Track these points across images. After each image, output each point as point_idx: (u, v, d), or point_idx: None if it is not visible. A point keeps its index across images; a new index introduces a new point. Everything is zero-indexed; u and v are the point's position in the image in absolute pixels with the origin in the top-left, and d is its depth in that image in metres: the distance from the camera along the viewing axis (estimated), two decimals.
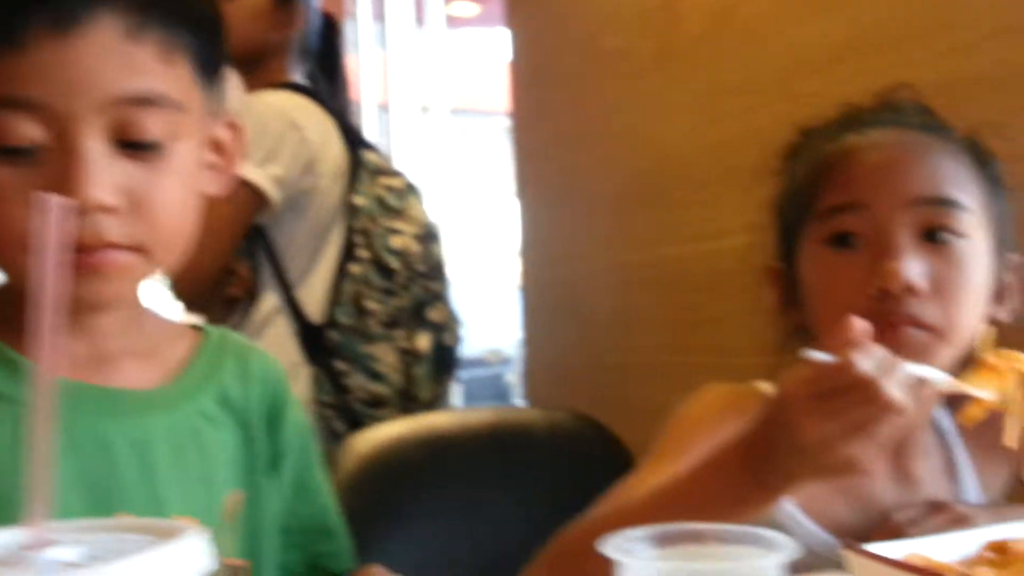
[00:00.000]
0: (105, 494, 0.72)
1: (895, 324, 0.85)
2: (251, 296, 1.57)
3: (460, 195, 5.42)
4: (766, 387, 0.99)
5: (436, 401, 1.66)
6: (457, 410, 1.57)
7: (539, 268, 2.26)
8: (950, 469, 1.00)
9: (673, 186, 1.81)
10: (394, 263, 1.61)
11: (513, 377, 7.35)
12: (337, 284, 1.56)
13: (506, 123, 2.43)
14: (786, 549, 0.53)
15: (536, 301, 2.29)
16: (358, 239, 1.59)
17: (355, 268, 1.58)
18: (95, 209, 0.67)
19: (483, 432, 1.40)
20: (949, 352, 0.87)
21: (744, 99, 1.62)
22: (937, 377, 0.74)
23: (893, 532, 0.88)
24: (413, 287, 1.62)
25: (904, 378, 0.69)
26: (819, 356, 0.70)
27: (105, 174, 0.67)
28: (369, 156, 1.66)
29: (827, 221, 0.92)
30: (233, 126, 0.82)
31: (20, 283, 0.69)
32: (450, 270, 1.77)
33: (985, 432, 0.94)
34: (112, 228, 0.69)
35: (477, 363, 6.59)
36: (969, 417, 0.81)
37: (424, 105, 4.64)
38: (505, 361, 7.42)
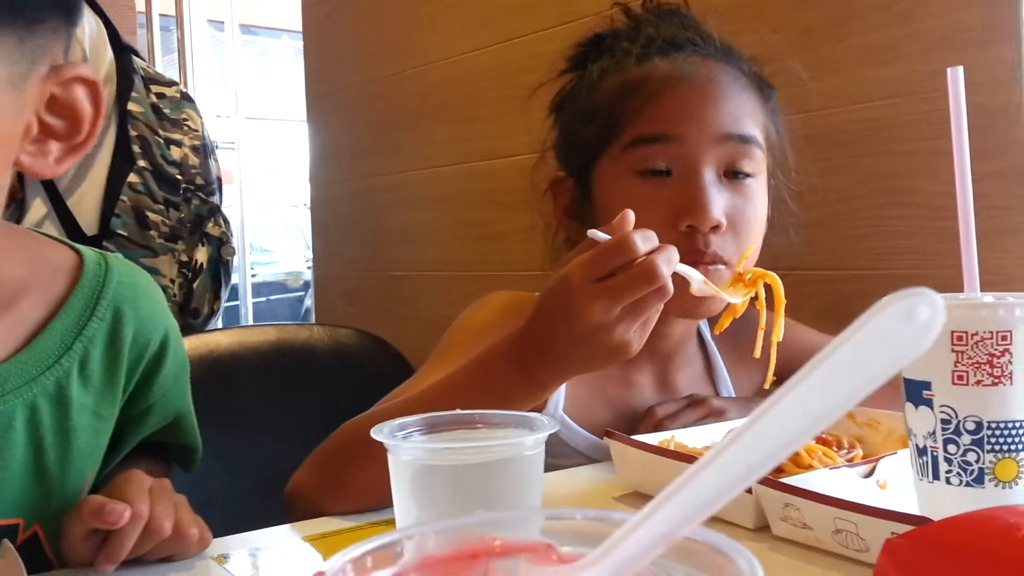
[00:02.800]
0: None
1: (698, 260, 0.88)
2: (19, 205, 1.46)
3: (254, 116, 5.20)
4: None
5: (213, 316, 1.63)
6: (240, 328, 1.54)
7: (327, 186, 2.23)
8: (709, 376, 1.07)
9: (460, 104, 1.82)
10: (175, 173, 1.54)
11: (311, 300, 7.26)
12: (112, 193, 1.47)
13: (291, 42, 2.34)
14: (545, 428, 0.55)
15: (324, 220, 2.26)
16: (135, 148, 1.50)
17: (134, 178, 1.49)
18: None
19: (265, 349, 1.38)
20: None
21: (534, 20, 1.64)
22: (694, 277, 0.78)
23: (654, 425, 0.94)
24: (192, 200, 1.56)
25: (672, 259, 0.71)
26: (600, 235, 0.71)
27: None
28: (139, 63, 1.57)
29: (637, 150, 0.92)
30: (85, 81, 0.65)
31: None
32: (241, 184, 1.72)
33: (740, 343, 1.02)
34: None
35: (276, 287, 6.46)
36: (721, 324, 0.87)
37: (212, 18, 4.37)
38: (305, 285, 7.32)
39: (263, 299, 5.96)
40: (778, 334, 0.83)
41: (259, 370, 1.36)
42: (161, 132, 1.53)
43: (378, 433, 0.54)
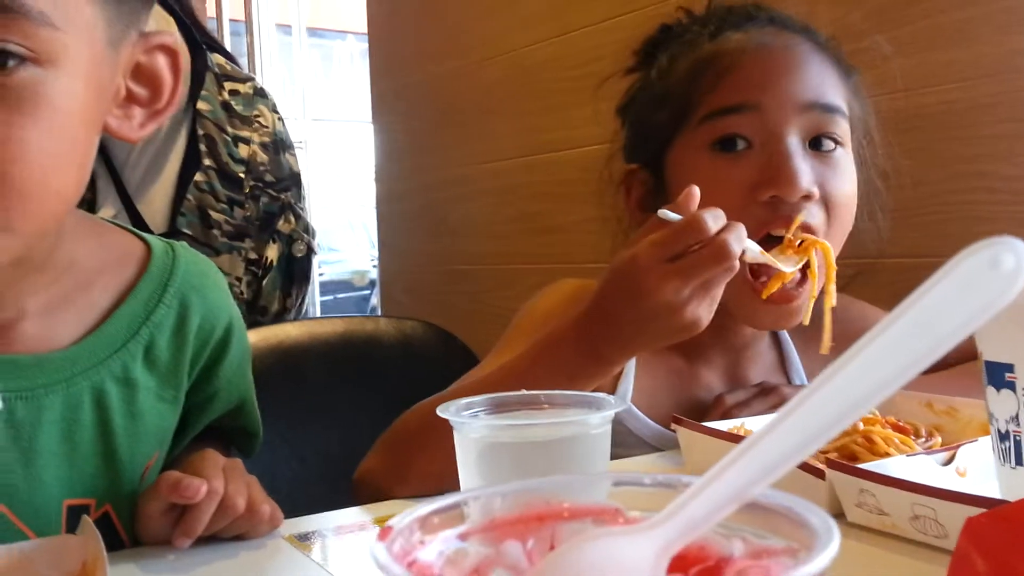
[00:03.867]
0: None
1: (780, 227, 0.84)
2: (89, 206, 1.50)
3: (323, 117, 5.28)
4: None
5: (287, 313, 1.63)
6: (309, 320, 1.56)
7: (392, 183, 2.25)
8: (783, 368, 1.04)
9: (522, 97, 1.82)
10: (239, 172, 1.55)
11: (378, 299, 7.33)
12: (180, 193, 1.49)
13: (356, 44, 2.36)
14: (611, 407, 0.54)
15: (389, 215, 2.28)
16: (203, 147, 1.52)
17: (199, 177, 1.51)
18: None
19: (333, 341, 1.40)
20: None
21: (595, 12, 1.63)
22: (750, 248, 0.76)
23: (723, 413, 0.92)
24: (261, 197, 1.57)
25: (741, 236, 0.70)
26: (671, 215, 0.70)
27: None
28: (216, 59, 1.59)
29: (712, 123, 0.89)
30: (167, 49, 0.66)
31: None
32: (308, 185, 1.73)
33: (816, 335, 1.00)
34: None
35: (343, 286, 6.54)
36: (769, 288, 0.85)
37: (281, 22, 4.45)
38: (371, 284, 7.39)
39: (330, 297, 6.04)
40: (831, 300, 0.81)
41: (327, 361, 1.38)
42: (230, 129, 1.55)
43: (444, 411, 0.54)
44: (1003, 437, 0.61)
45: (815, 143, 0.89)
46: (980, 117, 1.13)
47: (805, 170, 0.85)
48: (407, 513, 0.27)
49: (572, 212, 1.67)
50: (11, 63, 0.55)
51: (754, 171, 0.86)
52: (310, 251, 1.71)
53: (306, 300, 1.72)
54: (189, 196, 1.49)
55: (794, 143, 0.86)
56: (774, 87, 0.88)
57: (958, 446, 0.71)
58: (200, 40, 1.57)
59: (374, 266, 7.56)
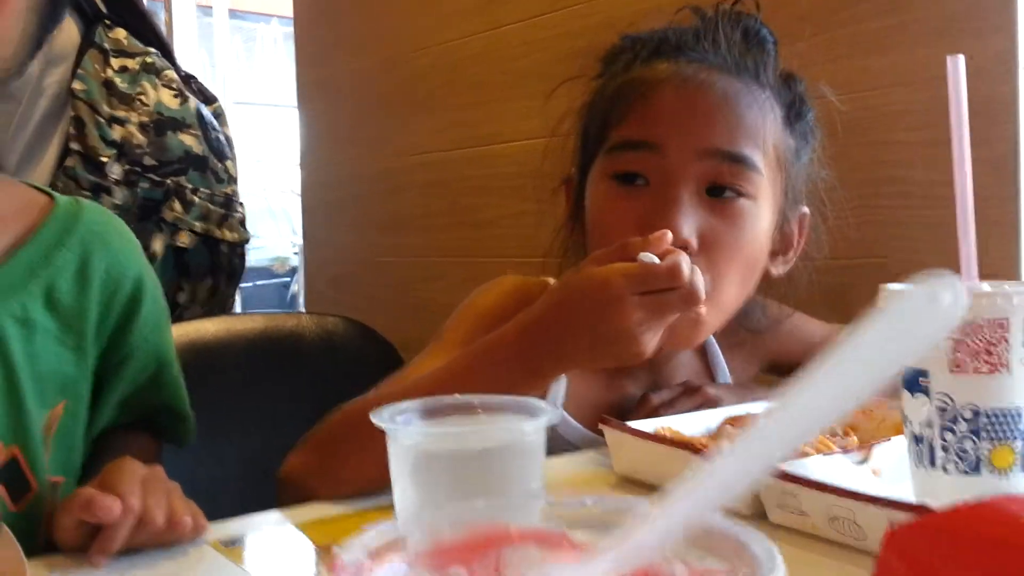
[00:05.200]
0: None
1: None
2: None
3: (243, 101, 5.16)
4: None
5: (186, 309, 1.54)
6: (227, 316, 1.52)
7: (317, 173, 2.22)
8: (705, 364, 1.06)
9: (450, 91, 1.81)
10: (106, 155, 1.39)
11: (298, 286, 7.25)
12: (53, 182, 1.36)
13: (280, 28, 2.31)
14: (546, 414, 0.55)
15: (314, 206, 2.24)
16: (71, 130, 1.40)
17: (69, 162, 1.40)
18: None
19: (253, 338, 1.37)
20: (712, 312, 0.86)
21: (525, 8, 1.63)
22: None
23: (648, 412, 0.93)
24: (140, 182, 1.42)
25: (701, 280, 0.73)
26: (651, 258, 0.73)
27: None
28: (114, 34, 1.47)
29: (615, 156, 0.89)
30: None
31: None
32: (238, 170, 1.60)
33: (736, 329, 1.02)
34: None
35: (263, 272, 6.42)
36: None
37: (201, 3, 4.33)
38: (291, 271, 7.28)
39: (250, 284, 5.93)
40: None
41: (247, 358, 1.35)
42: (107, 110, 1.40)
43: (377, 417, 0.53)
44: (917, 440, 0.63)
45: (715, 190, 0.87)
46: (895, 123, 1.17)
47: (687, 221, 0.85)
48: (353, 542, 0.27)
49: (503, 207, 1.67)
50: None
51: (645, 210, 0.86)
52: (240, 242, 1.60)
53: (226, 294, 1.63)
54: (58, 183, 1.38)
55: (686, 190, 0.86)
56: (677, 128, 0.87)
57: (872, 446, 0.74)
58: (94, 13, 1.45)
59: (295, 253, 7.46)
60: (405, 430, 0.52)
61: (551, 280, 0.95)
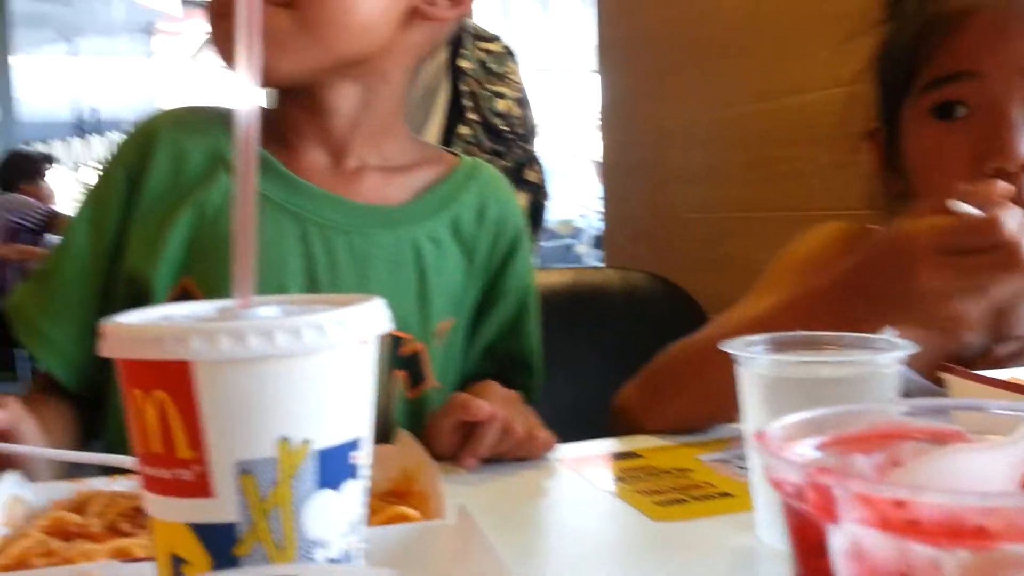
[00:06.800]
0: (324, 292, 0.81)
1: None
2: None
3: (539, 68, 5.35)
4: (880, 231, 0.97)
5: None
6: (539, 270, 1.62)
7: (619, 131, 2.27)
8: None
9: (758, 40, 1.78)
10: (501, 125, 1.67)
11: (583, 248, 7.45)
12: (446, 145, 1.63)
13: None
14: (901, 348, 0.54)
15: (615, 164, 2.30)
16: (466, 102, 1.65)
17: (464, 130, 1.64)
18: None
19: (560, 291, 1.45)
20: None
21: None
22: None
23: (991, 365, 0.89)
24: (514, 148, 1.68)
25: None
26: (965, 208, 0.66)
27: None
28: (467, 20, 1.71)
29: (931, 92, 0.85)
30: None
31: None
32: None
33: None
34: None
35: (548, 234, 6.68)
36: None
37: None
38: (575, 232, 7.50)
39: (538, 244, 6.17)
40: None
41: (556, 311, 1.43)
42: (488, 86, 1.68)
43: (729, 346, 0.56)
44: None
45: None
46: None
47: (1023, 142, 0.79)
48: (773, 425, 0.31)
49: (811, 157, 1.63)
50: None
51: (975, 140, 0.81)
52: (547, 198, 1.83)
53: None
54: (455, 149, 1.61)
55: (1016, 110, 0.80)
56: (995, 52, 0.82)
57: None
58: None
59: (581, 216, 7.66)
60: (759, 359, 0.55)
61: (876, 228, 0.93)
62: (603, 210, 2.37)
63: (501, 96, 1.68)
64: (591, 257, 6.88)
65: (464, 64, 1.66)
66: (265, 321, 0.34)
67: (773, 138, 1.74)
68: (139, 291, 0.79)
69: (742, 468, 0.72)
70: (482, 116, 1.65)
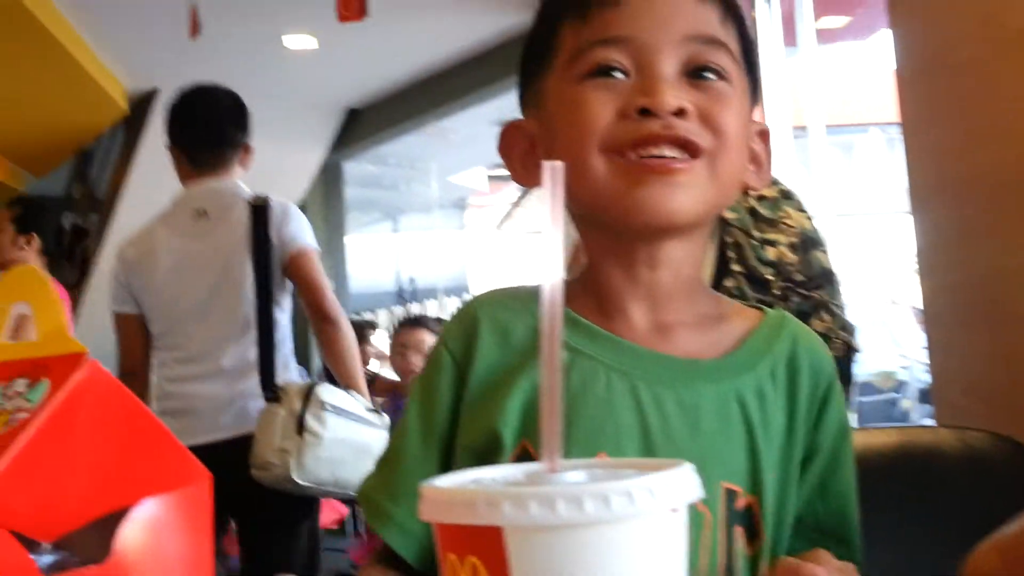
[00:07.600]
0: (658, 447, 0.82)
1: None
2: None
3: (842, 212, 5.18)
4: None
5: None
6: (860, 429, 1.50)
7: (942, 275, 2.10)
8: None
9: None
10: (768, 274, 1.59)
11: (908, 403, 6.80)
12: None
13: (881, 135, 2.30)
14: None
15: (941, 310, 2.12)
16: (731, 253, 1.60)
17: (729, 283, 1.58)
18: (668, 112, 0.78)
19: (886, 453, 1.33)
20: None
21: None
22: None
23: None
24: (792, 297, 1.59)
25: None
26: None
27: (677, 90, 0.80)
28: None
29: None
30: (764, 135, 0.90)
31: (585, 187, 0.82)
32: (842, 280, 1.71)
33: None
34: (685, 127, 0.79)
35: (866, 388, 6.21)
36: None
37: (798, 124, 4.52)
38: (898, 385, 6.88)
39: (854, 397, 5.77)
40: None
41: (881, 475, 1.30)
42: (756, 234, 1.60)
43: None
44: None
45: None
46: None
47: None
48: None
49: None
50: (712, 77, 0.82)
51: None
52: (850, 350, 1.68)
53: (850, 403, 1.68)
54: None
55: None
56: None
57: None
58: None
59: (902, 368, 7.08)
60: None
61: None
62: (928, 361, 2.17)
63: (772, 243, 1.60)
64: (918, 413, 6.28)
65: (729, 215, 1.60)
66: (574, 487, 0.33)
67: None
68: (481, 461, 0.82)
69: None
70: (746, 267, 1.57)
